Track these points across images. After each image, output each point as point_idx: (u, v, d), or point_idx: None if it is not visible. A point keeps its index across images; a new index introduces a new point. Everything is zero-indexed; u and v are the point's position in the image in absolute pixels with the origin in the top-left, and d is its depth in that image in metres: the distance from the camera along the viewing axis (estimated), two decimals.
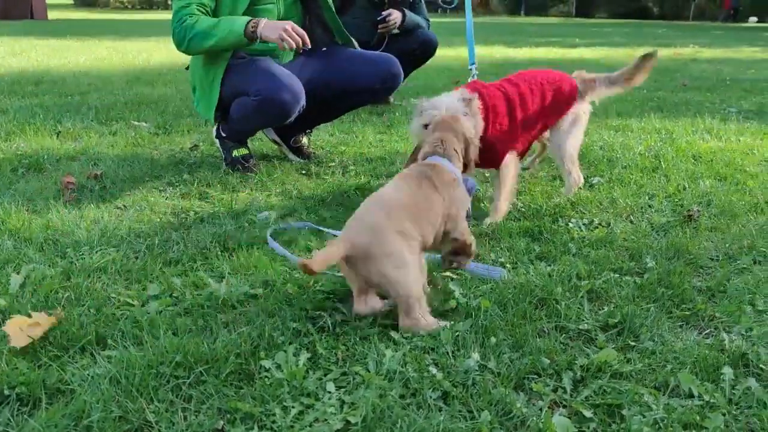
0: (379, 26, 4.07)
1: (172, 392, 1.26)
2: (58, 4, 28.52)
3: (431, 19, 4.52)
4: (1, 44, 9.28)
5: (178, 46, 2.58)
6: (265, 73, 2.58)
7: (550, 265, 1.89)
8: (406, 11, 4.19)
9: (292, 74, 2.61)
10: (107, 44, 9.63)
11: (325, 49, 2.88)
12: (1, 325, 1.46)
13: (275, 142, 3.07)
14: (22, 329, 1.36)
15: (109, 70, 6.28)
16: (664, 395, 1.29)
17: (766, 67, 7.77)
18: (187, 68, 2.83)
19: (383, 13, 4.06)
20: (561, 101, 2.36)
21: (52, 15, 19.66)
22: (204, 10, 2.56)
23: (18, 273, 1.71)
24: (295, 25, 2.52)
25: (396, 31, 4.13)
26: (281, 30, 2.47)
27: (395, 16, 4.07)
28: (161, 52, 8.26)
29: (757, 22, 28.87)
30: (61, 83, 5.26)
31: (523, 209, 2.37)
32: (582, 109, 2.43)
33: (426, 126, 1.99)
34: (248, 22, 2.50)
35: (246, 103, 2.63)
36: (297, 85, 2.59)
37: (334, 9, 2.87)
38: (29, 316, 1.45)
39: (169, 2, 27.51)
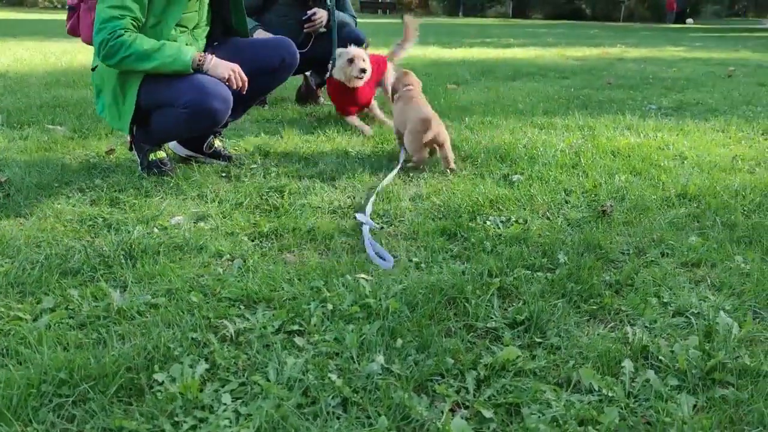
0: (305, 25, 4.02)
1: (53, 412, 1.19)
2: None
3: (362, 20, 4.49)
4: None
5: (106, 59, 2.43)
6: (191, 83, 2.51)
7: (463, 264, 1.88)
8: (332, 9, 4.14)
9: (216, 80, 2.54)
10: (29, 45, 9.24)
11: (216, 43, 2.86)
12: None
13: (188, 157, 2.98)
14: None
15: (28, 72, 6.01)
16: (565, 391, 1.29)
17: (687, 66, 8.05)
18: (93, 69, 2.70)
19: (309, 12, 4.00)
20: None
21: None
22: (137, 26, 2.46)
23: None
24: (240, 69, 2.59)
25: (323, 29, 4.08)
26: (230, 70, 2.55)
27: (320, 14, 4.02)
28: (86, 54, 7.95)
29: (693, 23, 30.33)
30: None
31: (442, 208, 2.36)
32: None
33: (350, 60, 3.60)
34: (195, 55, 2.50)
35: (172, 113, 2.55)
36: (225, 90, 2.55)
37: (244, 11, 2.86)
38: None
39: None
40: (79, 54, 7.94)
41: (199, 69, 2.52)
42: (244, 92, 2.62)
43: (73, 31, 2.83)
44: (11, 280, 1.71)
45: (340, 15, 4.20)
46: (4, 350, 1.37)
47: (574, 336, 1.50)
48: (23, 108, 4.04)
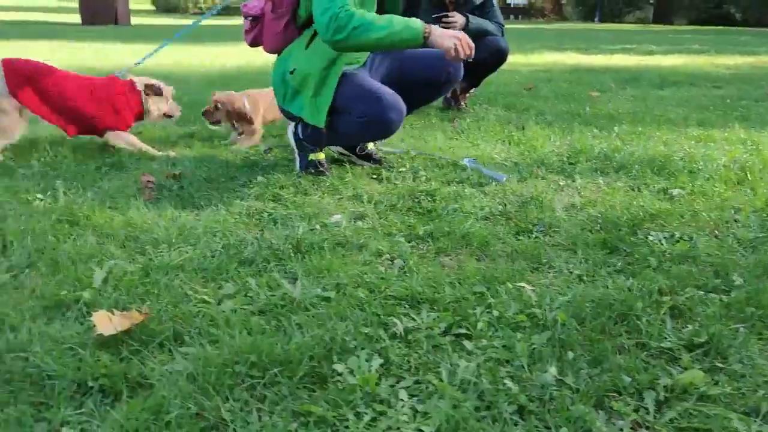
0: (439, 24, 4.02)
1: (246, 392, 1.28)
2: (141, 10, 29.74)
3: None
4: (89, 49, 9.73)
5: (336, 33, 2.45)
6: (369, 93, 2.60)
7: (629, 279, 1.82)
8: (471, 17, 4.10)
9: (393, 92, 2.63)
10: (185, 48, 9.95)
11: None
12: (84, 316, 1.53)
13: (341, 154, 3.09)
14: (111, 320, 1.40)
15: (187, 74, 6.48)
16: (755, 421, 1.22)
17: None
18: (291, 72, 2.72)
19: (441, 14, 3.99)
20: None
21: (134, 21, 20.49)
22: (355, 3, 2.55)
23: (101, 268, 1.77)
24: (464, 36, 2.55)
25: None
26: (455, 39, 2.51)
27: (456, 19, 4.00)
28: (236, 57, 8.47)
29: None
30: None
31: (599, 220, 2.29)
32: None
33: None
34: (423, 25, 2.52)
35: (350, 121, 2.67)
36: (400, 102, 2.62)
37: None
38: (112, 312, 1.50)
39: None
40: (231, 57, 8.45)
41: (426, 39, 2.52)
42: (470, 60, 2.60)
43: (255, 42, 2.96)
44: (195, 266, 1.85)
45: (481, 22, 4.16)
46: (198, 330, 1.49)
47: (759, 365, 1.41)
48: (187, 106, 4.36)
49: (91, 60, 7.72)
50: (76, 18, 19.48)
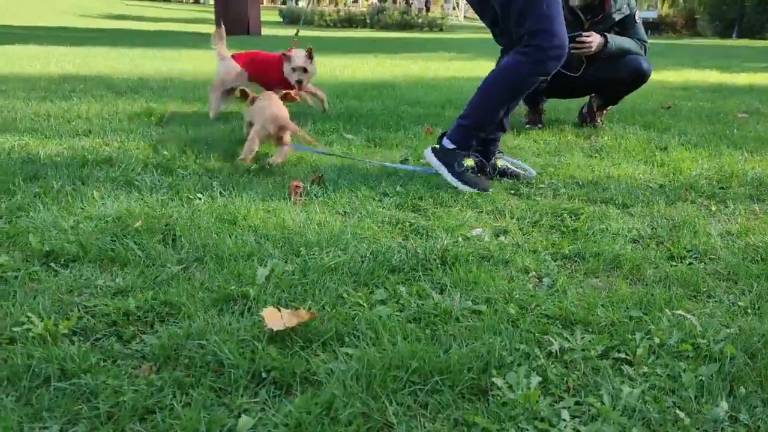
0: (571, 46, 3.92)
1: (409, 396, 1.31)
2: (270, 21, 31.17)
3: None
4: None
5: None
6: None
7: None
8: (610, 36, 3.95)
9: None
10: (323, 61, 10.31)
11: None
12: (251, 311, 1.63)
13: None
14: (281, 317, 1.49)
15: (320, 83, 6.71)
16: None
17: None
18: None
19: (576, 33, 3.88)
20: None
21: (264, 31, 21.51)
22: None
23: (264, 266, 1.88)
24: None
25: (601, 54, 3.96)
26: None
27: (593, 39, 3.89)
28: (364, 69, 8.69)
29: None
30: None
31: (760, 249, 2.16)
32: None
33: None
34: None
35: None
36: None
37: None
38: (278, 309, 1.59)
39: (368, 21, 28.95)
40: (358, 69, 8.68)
41: None
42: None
43: None
44: (347, 270, 1.92)
45: (621, 42, 4.01)
46: (357, 332, 1.55)
47: None
48: (324, 117, 4.53)
49: None
50: (211, 28, 20.73)
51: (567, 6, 3.90)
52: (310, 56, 4.14)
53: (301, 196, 2.65)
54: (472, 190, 2.79)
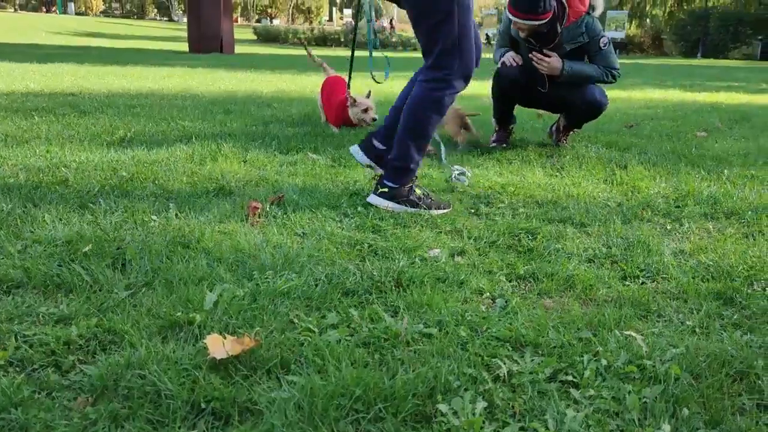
0: (534, 59, 3.95)
1: (351, 425, 1.29)
2: (244, 39, 31.16)
3: None
4: (198, 74, 10.26)
5: None
6: None
7: (747, 334, 1.72)
8: (568, 62, 3.89)
9: None
10: (287, 78, 10.32)
11: None
12: (197, 338, 1.60)
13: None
14: (224, 344, 1.46)
15: (288, 102, 6.71)
16: None
17: None
18: None
19: (544, 51, 3.91)
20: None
21: (238, 50, 21.47)
22: None
23: (212, 291, 1.84)
24: None
25: (546, 72, 3.97)
26: None
27: (550, 60, 3.89)
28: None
29: None
30: (246, 113, 5.70)
31: (711, 268, 2.19)
32: None
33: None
34: None
35: None
36: None
37: None
38: (224, 336, 1.56)
39: (342, 39, 29.08)
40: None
41: None
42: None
43: None
44: (299, 294, 1.90)
45: (579, 69, 3.93)
46: (304, 359, 1.52)
47: None
48: (290, 136, 4.51)
49: (199, 85, 8.12)
50: (184, 46, 20.61)
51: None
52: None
53: (259, 217, 2.63)
54: (437, 212, 2.79)
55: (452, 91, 2.74)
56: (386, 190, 2.85)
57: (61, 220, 2.46)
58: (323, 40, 29.51)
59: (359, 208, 2.80)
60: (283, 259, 2.16)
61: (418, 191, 2.89)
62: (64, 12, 50.24)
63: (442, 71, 2.70)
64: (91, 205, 2.68)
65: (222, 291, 1.84)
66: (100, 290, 1.88)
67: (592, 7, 3.96)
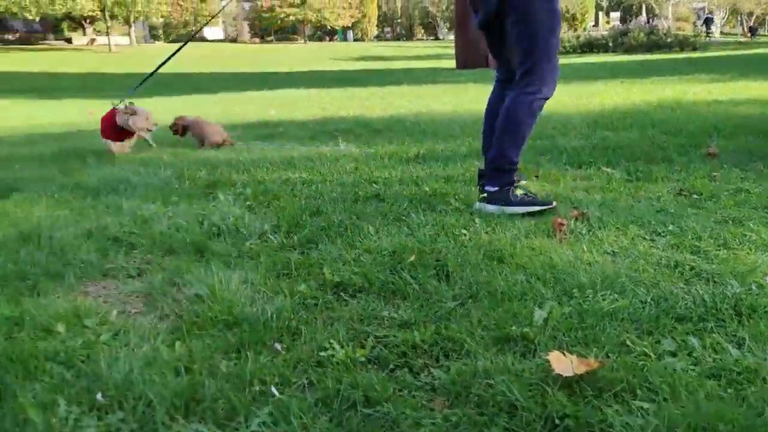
0: None
1: None
2: None
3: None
4: (470, 90, 10.61)
5: None
6: None
7: None
8: None
9: None
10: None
11: None
12: (531, 353, 1.63)
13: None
14: (571, 363, 1.47)
15: (568, 114, 6.60)
16: None
17: None
18: None
19: None
20: None
21: None
22: None
23: (541, 308, 1.87)
24: None
25: None
26: None
27: None
28: (613, 96, 8.34)
29: None
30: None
31: None
32: None
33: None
34: None
35: None
36: None
37: None
38: (563, 353, 1.57)
39: (610, 44, 27.79)
40: (607, 96, 8.36)
41: None
42: None
43: None
44: (627, 315, 1.83)
45: None
46: (649, 384, 1.47)
47: None
48: (578, 148, 4.43)
49: (473, 101, 8.36)
50: (451, 63, 21.48)
51: None
52: None
53: (565, 234, 2.61)
54: (535, 208, 2.91)
55: (542, 96, 2.98)
56: (486, 195, 3.04)
57: (383, 231, 2.70)
58: (589, 46, 28.47)
59: (670, 227, 2.63)
60: (600, 277, 2.11)
61: (518, 191, 3.01)
62: (344, 39, 55.77)
63: (533, 77, 2.95)
64: (404, 218, 2.91)
65: (551, 308, 1.85)
66: (430, 299, 2.02)
67: None
